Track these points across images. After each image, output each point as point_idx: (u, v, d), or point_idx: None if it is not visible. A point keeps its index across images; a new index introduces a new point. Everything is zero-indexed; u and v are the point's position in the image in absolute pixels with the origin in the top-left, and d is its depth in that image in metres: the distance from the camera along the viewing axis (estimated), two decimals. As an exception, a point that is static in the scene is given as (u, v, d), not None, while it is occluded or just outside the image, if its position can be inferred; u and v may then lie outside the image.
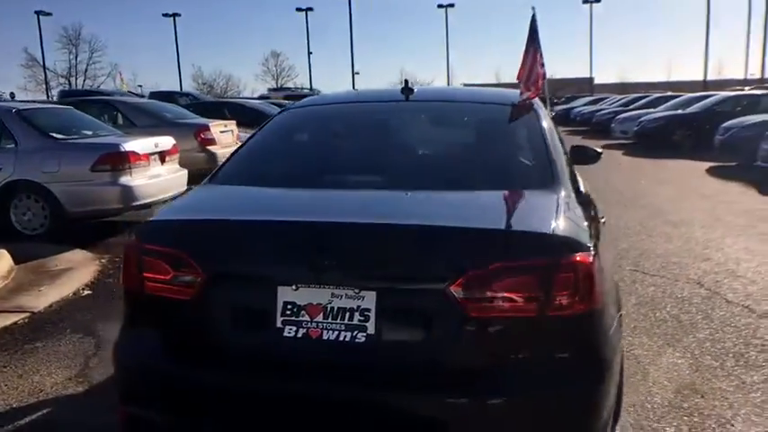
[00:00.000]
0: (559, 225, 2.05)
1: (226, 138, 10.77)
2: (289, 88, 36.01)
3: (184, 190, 8.27)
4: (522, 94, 3.10)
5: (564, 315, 1.93)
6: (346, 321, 1.99)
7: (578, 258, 1.94)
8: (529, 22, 3.30)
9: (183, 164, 8.35)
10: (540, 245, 1.96)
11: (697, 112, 16.19)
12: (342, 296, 2.00)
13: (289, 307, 2.04)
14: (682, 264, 5.56)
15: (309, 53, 47.97)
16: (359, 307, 1.98)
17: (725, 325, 4.14)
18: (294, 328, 2.03)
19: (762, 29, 35.43)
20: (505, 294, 1.90)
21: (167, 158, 7.91)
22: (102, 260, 6.14)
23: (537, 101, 3.07)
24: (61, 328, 4.38)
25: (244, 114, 13.90)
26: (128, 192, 7.01)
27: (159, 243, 2.16)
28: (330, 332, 2.00)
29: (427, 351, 1.95)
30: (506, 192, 2.38)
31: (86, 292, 5.22)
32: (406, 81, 3.12)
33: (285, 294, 2.04)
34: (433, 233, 1.99)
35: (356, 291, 1.98)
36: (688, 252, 5.96)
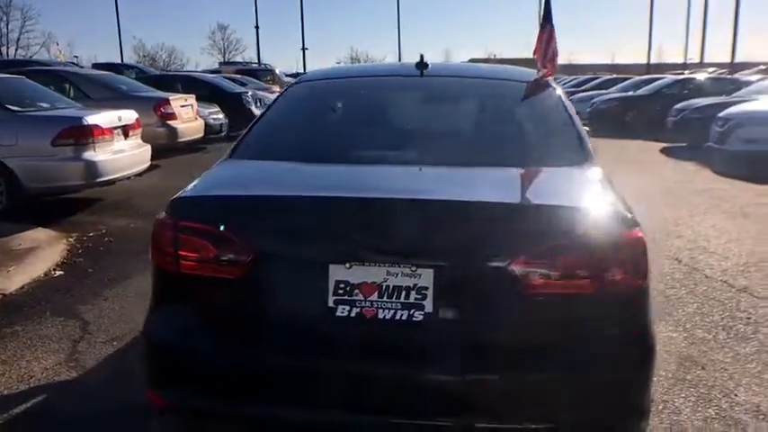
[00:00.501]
0: (611, 202, 2.05)
1: (186, 112, 10.41)
2: (240, 62, 35.02)
3: (147, 166, 7.97)
4: (538, 71, 3.08)
5: (620, 291, 1.94)
6: (402, 300, 1.94)
7: (634, 234, 1.95)
8: (543, 1, 3.27)
9: (142, 139, 8.02)
10: (599, 221, 1.95)
11: (647, 95, 16.69)
12: (398, 274, 1.94)
13: (341, 286, 1.97)
14: (657, 240, 5.74)
15: (257, 27, 46.65)
16: (416, 285, 1.93)
17: (709, 299, 4.30)
18: (347, 308, 1.96)
19: (701, 15, 36.71)
20: (565, 271, 1.90)
21: (131, 133, 7.57)
22: (70, 239, 5.84)
23: (552, 79, 3.07)
24: (39, 310, 4.14)
25: (198, 88, 13.42)
26: (91, 168, 6.68)
27: (199, 220, 2.05)
28: (386, 311, 1.95)
29: (485, 329, 1.92)
30: (547, 168, 2.36)
31: (58, 273, 4.96)
32: (422, 56, 3.05)
33: (337, 273, 1.97)
34: (494, 210, 1.95)
35: (413, 269, 1.93)
36: (660, 229, 6.15)
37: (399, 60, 60.57)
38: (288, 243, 2.00)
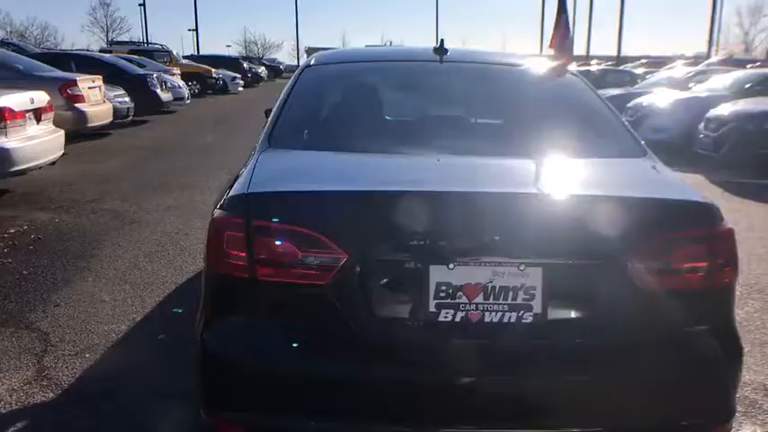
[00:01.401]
0: (701, 195, 2.03)
1: (94, 95, 9.55)
2: (132, 42, 32.71)
3: (61, 154, 7.21)
4: (556, 59, 3.03)
5: (723, 285, 1.93)
6: (509, 301, 1.81)
7: (728, 226, 1.95)
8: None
9: (50, 123, 7.23)
10: (702, 214, 1.92)
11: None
12: (504, 274, 1.81)
13: (443, 288, 1.81)
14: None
15: (142, 4, 43.86)
16: (523, 285, 1.81)
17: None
18: (451, 312, 1.81)
19: (587, 11, 38.86)
20: (677, 266, 1.85)
21: (43, 117, 6.81)
22: (-12, 237, 5.15)
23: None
24: (-21, 321, 3.60)
25: (96, 69, 12.32)
26: (3, 156, 5.93)
27: (282, 220, 1.80)
28: (492, 314, 1.81)
29: (596, 329, 1.84)
30: (621, 160, 2.32)
31: (-14, 277, 4.35)
32: (442, 41, 2.90)
33: (438, 274, 1.80)
34: (603, 204, 1.86)
35: (521, 267, 1.81)
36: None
37: (297, 45, 59.40)
38: (385, 244, 1.81)
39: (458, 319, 1.81)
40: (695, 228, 1.89)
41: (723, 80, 11.27)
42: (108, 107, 10.23)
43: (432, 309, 1.81)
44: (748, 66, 15.58)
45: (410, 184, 1.99)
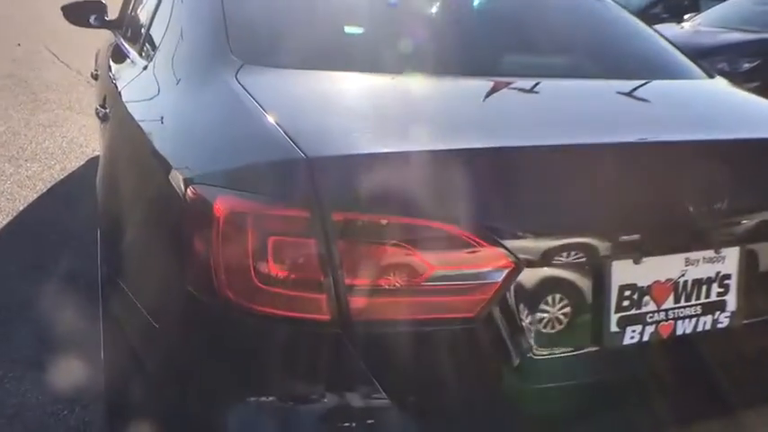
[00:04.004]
0: None
1: None
2: None
3: None
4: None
5: None
6: (702, 300, 1.24)
7: None
8: None
9: None
10: None
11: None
12: (698, 261, 1.23)
13: (626, 294, 1.17)
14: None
15: None
16: (718, 274, 1.25)
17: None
18: (638, 329, 1.18)
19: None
20: None
21: None
22: None
23: None
24: None
25: None
26: None
27: (392, 210, 0.99)
28: (684, 322, 1.23)
29: None
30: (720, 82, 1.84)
31: None
32: None
33: (622, 273, 1.16)
34: None
35: (716, 250, 1.24)
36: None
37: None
38: (555, 236, 1.10)
39: (646, 337, 1.20)
40: None
41: None
42: None
43: (614, 328, 1.17)
44: None
45: (570, 131, 1.27)
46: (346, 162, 1.03)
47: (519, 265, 1.05)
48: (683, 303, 1.23)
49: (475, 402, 1.07)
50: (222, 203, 1.05)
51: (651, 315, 1.21)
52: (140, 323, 1.25)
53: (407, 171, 1.02)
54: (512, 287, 1.06)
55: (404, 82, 1.47)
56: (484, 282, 1.03)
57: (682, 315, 1.23)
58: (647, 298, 1.20)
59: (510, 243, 1.05)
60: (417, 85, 1.45)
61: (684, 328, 1.24)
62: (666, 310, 1.22)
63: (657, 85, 1.71)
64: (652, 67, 1.84)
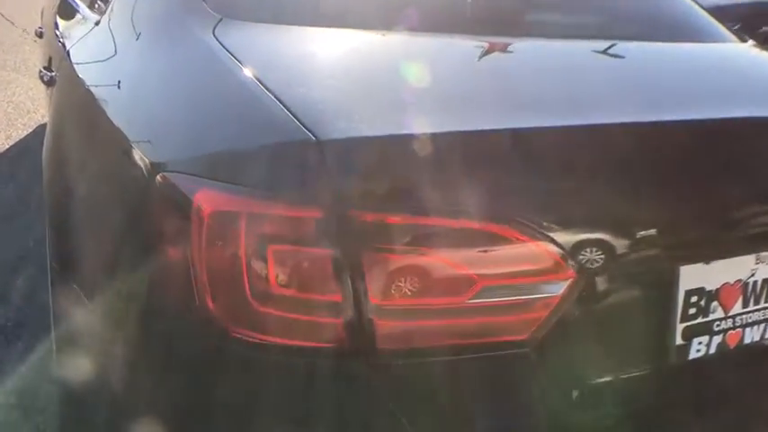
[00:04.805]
0: None
1: None
2: None
3: None
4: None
5: None
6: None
7: None
8: None
9: None
10: None
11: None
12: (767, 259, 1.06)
13: (693, 300, 0.98)
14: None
15: None
16: None
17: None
18: (704, 340, 1.00)
19: None
20: None
21: None
22: None
23: None
24: None
25: None
26: None
27: (429, 210, 0.77)
28: (753, 328, 1.06)
29: None
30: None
31: None
32: None
33: (690, 277, 0.97)
34: None
35: None
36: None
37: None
38: (619, 238, 0.89)
39: (713, 349, 1.02)
40: None
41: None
42: None
43: (679, 341, 0.98)
44: None
45: (635, 106, 1.03)
46: (369, 146, 0.80)
47: (581, 275, 0.85)
48: (750, 308, 1.05)
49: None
50: (206, 199, 0.81)
51: (718, 323, 1.03)
52: (101, 343, 1.02)
53: (450, 158, 0.80)
54: (571, 302, 0.86)
55: (419, 42, 1.23)
56: (540, 296, 0.83)
57: (750, 321, 1.06)
58: (714, 303, 1.02)
59: (570, 248, 0.84)
60: (433, 45, 1.21)
61: (753, 335, 1.06)
62: (734, 317, 1.04)
63: (699, 49, 1.51)
64: (685, 30, 1.64)
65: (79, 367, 1.08)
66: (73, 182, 1.33)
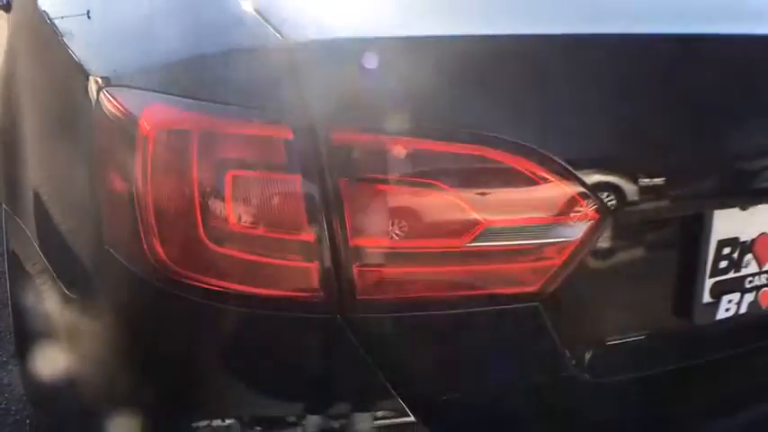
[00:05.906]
0: None
1: None
2: None
3: None
4: None
5: None
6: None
7: None
8: None
9: None
10: None
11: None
12: None
13: (725, 252, 0.86)
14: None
15: None
16: None
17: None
18: (735, 298, 0.88)
19: None
20: None
21: None
22: None
23: None
24: None
25: None
26: None
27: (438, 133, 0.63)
28: (789, 286, 0.94)
29: None
30: None
31: None
32: None
33: (723, 225, 0.84)
34: None
35: None
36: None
37: None
38: (642, 177, 0.75)
39: (744, 308, 0.89)
40: None
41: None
42: None
43: (707, 298, 0.86)
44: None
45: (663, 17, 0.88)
46: (350, 51, 0.65)
47: (604, 216, 0.71)
48: (789, 262, 0.93)
49: (533, 407, 0.75)
50: (153, 115, 0.66)
51: (751, 279, 0.90)
52: (52, 289, 0.89)
53: (450, 68, 0.65)
54: (589, 249, 0.73)
55: None
56: (554, 241, 0.69)
57: (786, 277, 0.94)
58: (749, 256, 0.89)
59: (592, 184, 0.70)
60: None
61: (788, 294, 0.94)
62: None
63: None
64: None
65: (30, 300, 0.96)
66: (22, 108, 1.19)
